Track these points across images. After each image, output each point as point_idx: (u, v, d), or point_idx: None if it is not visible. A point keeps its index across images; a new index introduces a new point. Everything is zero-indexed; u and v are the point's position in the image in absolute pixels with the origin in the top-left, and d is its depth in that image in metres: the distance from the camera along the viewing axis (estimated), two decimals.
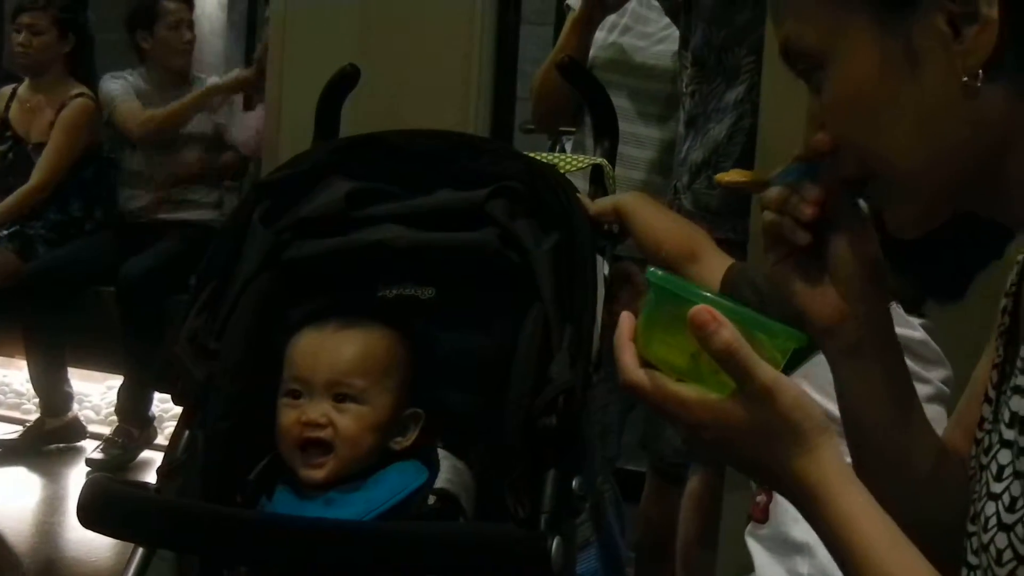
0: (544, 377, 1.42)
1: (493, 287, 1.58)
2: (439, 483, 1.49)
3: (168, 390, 1.60)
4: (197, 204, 4.40)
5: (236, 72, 4.42)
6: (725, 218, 2.41)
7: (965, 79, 0.83)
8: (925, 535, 0.88)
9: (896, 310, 1.67)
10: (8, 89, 4.48)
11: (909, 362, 1.65)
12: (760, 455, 0.91)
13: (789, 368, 0.95)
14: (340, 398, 1.50)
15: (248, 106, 4.51)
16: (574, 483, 1.40)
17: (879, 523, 0.87)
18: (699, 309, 0.88)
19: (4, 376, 4.73)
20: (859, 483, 0.89)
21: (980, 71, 0.82)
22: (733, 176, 1.11)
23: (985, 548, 0.85)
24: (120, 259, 4.18)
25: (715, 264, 1.58)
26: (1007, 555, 0.82)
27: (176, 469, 1.53)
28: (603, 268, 1.60)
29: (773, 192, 1.00)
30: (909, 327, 1.67)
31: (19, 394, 4.72)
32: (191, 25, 4.41)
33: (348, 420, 1.49)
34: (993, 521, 0.84)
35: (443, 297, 1.63)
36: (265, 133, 3.50)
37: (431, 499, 1.47)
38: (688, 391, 0.90)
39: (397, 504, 1.48)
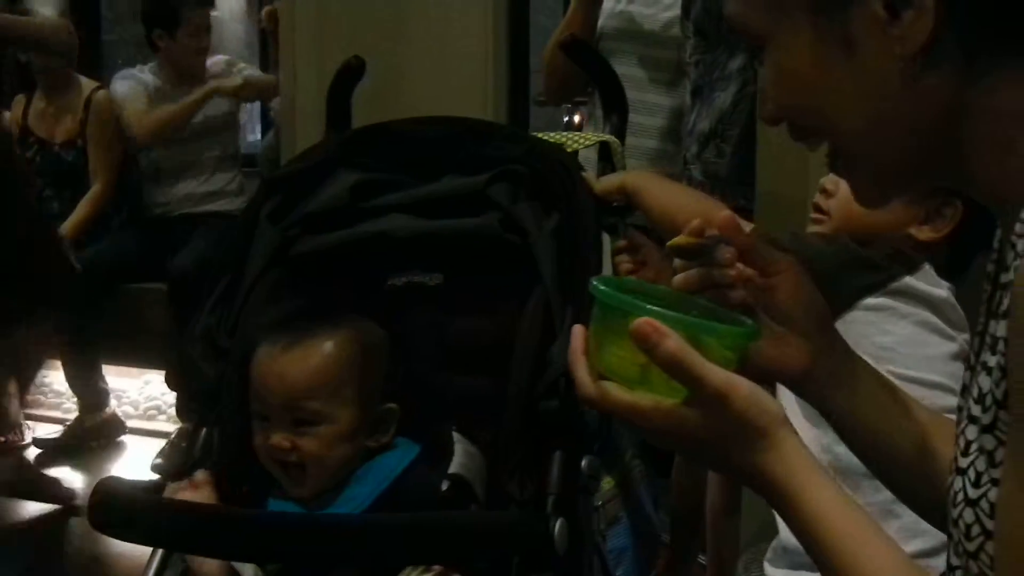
0: (545, 360, 1.43)
1: (497, 271, 1.60)
2: (453, 468, 1.50)
3: (181, 389, 1.62)
4: (221, 194, 4.42)
5: (242, 76, 4.41)
6: (736, 186, 2.41)
7: (901, 64, 0.83)
8: None
9: (928, 269, 1.67)
10: (22, 97, 4.51)
11: (935, 318, 1.66)
12: (724, 456, 0.92)
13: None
14: (299, 423, 1.49)
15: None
16: (583, 463, 1.41)
17: (848, 514, 0.88)
18: (641, 322, 0.89)
19: (44, 376, 4.80)
20: (824, 473, 0.90)
21: (917, 56, 0.83)
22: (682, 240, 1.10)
23: (955, 523, 0.85)
24: (150, 256, 4.21)
25: None
26: (975, 530, 0.83)
27: (192, 468, 1.56)
28: (610, 246, 1.61)
29: (687, 275, 1.05)
30: (937, 286, 1.67)
31: (59, 394, 4.79)
32: (209, 29, 4.41)
33: (311, 442, 1.49)
34: (961, 496, 0.84)
35: (450, 283, 1.64)
36: (281, 124, 3.52)
37: (444, 484, 1.48)
38: (643, 400, 0.91)
39: (389, 487, 1.50)
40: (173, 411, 4.52)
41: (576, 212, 1.53)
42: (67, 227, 4.19)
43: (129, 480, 1.41)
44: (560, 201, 1.55)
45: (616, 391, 0.92)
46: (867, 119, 0.88)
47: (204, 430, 1.59)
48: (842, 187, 1.65)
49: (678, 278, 1.06)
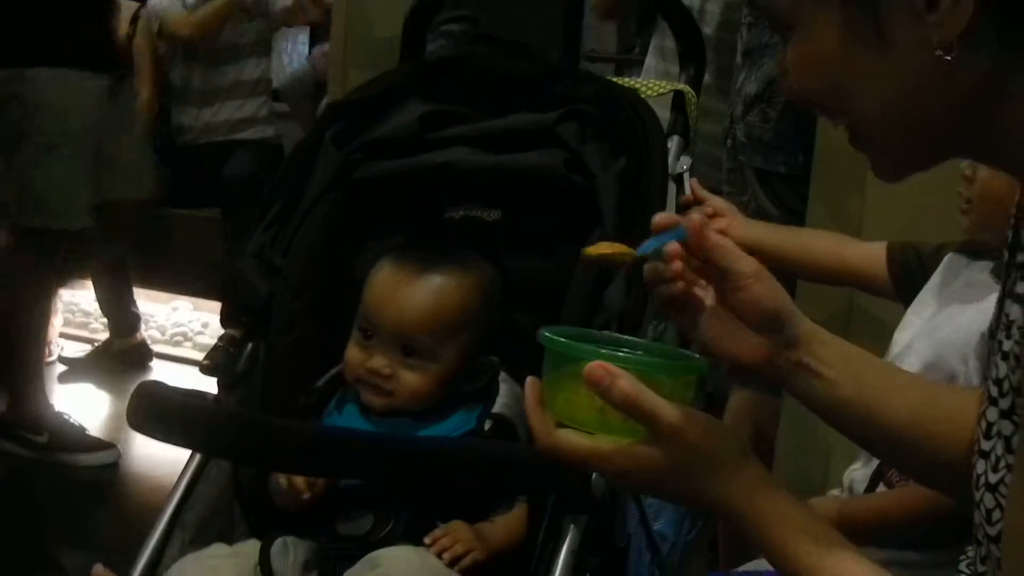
0: (599, 303, 1.43)
1: (558, 210, 1.61)
2: (497, 408, 1.53)
3: (233, 304, 1.64)
4: (253, 121, 4.43)
5: None
6: (776, 151, 2.41)
7: (938, 52, 0.82)
8: None
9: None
10: None
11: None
12: (688, 490, 0.94)
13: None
14: (408, 351, 1.52)
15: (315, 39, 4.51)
16: None
17: (812, 531, 0.90)
18: (592, 366, 0.92)
19: (72, 296, 4.84)
20: (788, 496, 0.92)
21: (953, 44, 0.82)
22: (600, 249, 1.13)
23: (977, 506, 0.86)
24: (184, 182, 4.23)
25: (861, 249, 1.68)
26: (996, 515, 0.84)
27: (237, 380, 1.58)
28: (677, 196, 1.61)
29: (647, 270, 1.06)
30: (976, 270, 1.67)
31: (87, 314, 4.83)
32: None
33: (412, 375, 1.51)
34: (982, 480, 0.86)
35: (509, 219, 1.66)
36: (330, 63, 3.52)
37: (487, 423, 1.51)
38: (603, 444, 0.94)
39: (464, 435, 1.52)
40: (199, 338, 4.58)
41: (644, 157, 1.54)
42: None
43: (170, 385, 1.42)
44: (629, 145, 1.55)
45: (575, 438, 0.95)
46: (893, 106, 0.88)
47: (251, 344, 1.61)
48: (980, 174, 1.63)
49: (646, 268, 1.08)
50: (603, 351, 0.95)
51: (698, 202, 1.68)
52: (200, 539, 1.51)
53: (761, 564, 1.67)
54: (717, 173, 2.70)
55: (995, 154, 0.90)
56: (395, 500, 1.45)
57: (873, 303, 1.98)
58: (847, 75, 0.88)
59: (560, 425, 0.96)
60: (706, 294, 1.08)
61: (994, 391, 0.85)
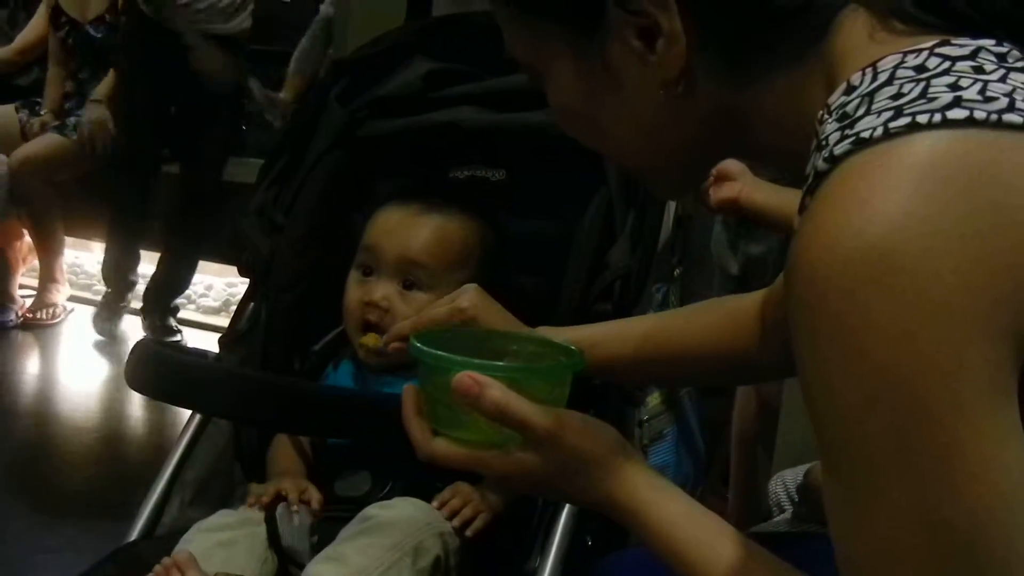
0: (603, 263, 1.43)
1: (562, 170, 1.61)
2: None
3: (234, 262, 1.64)
4: None
5: None
6: None
7: (661, 91, 0.85)
8: None
9: None
10: None
11: None
12: (570, 489, 0.95)
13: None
14: (408, 284, 1.52)
15: None
16: None
17: (695, 521, 0.92)
18: (460, 377, 0.92)
19: (76, 258, 4.85)
20: (668, 489, 0.94)
21: (679, 80, 0.84)
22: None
23: None
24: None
25: None
26: None
27: (238, 339, 1.59)
28: None
29: None
30: None
31: (90, 275, 4.85)
32: None
33: (410, 308, 1.52)
34: None
35: (513, 179, 1.67)
36: (335, 26, 3.49)
37: None
38: (480, 451, 0.95)
39: None
40: (202, 300, 4.59)
41: None
42: None
43: (170, 342, 1.43)
44: None
45: (453, 446, 0.96)
46: (643, 140, 0.90)
47: (252, 304, 1.62)
48: None
49: None
50: (470, 360, 0.95)
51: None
52: (200, 499, 1.52)
53: (784, 524, 1.68)
54: None
55: (761, 160, 0.92)
56: (393, 461, 1.45)
57: None
58: (594, 116, 0.91)
59: (438, 432, 0.97)
60: None
61: None
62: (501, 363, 1.01)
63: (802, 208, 0.77)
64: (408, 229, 1.56)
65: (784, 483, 1.82)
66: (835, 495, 0.73)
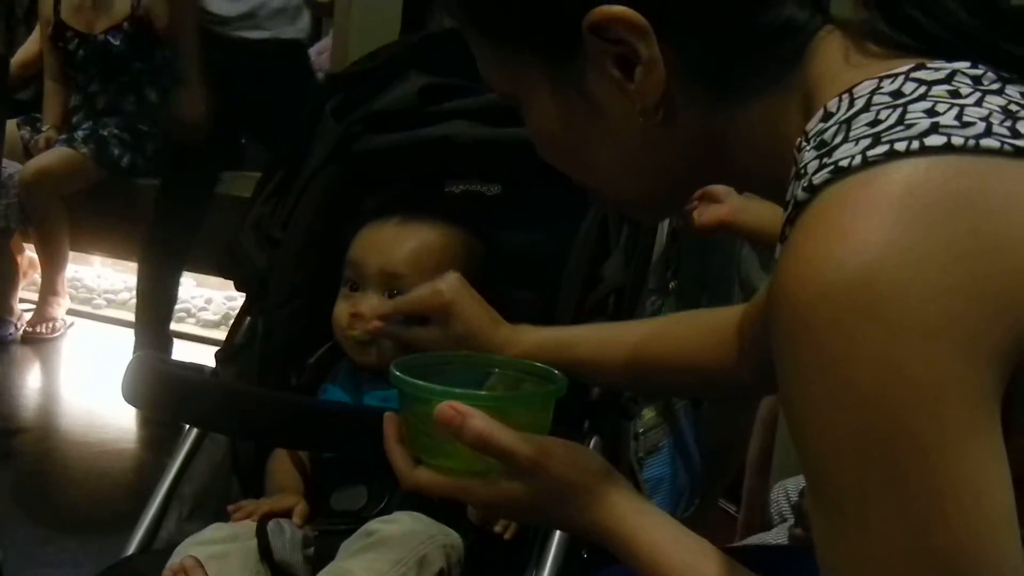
0: (596, 277, 1.44)
1: (557, 184, 1.59)
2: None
3: (231, 276, 1.65)
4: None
5: None
6: None
7: (640, 119, 0.85)
8: None
9: None
10: None
11: None
12: (555, 518, 0.96)
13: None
14: (392, 295, 1.54)
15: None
16: None
17: (682, 545, 0.92)
18: (442, 407, 0.92)
19: (76, 272, 4.86)
20: (654, 514, 0.94)
21: (659, 107, 0.84)
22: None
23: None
24: None
25: None
26: None
27: (234, 354, 1.60)
28: None
29: None
30: None
31: (90, 289, 4.86)
32: None
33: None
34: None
35: (509, 194, 1.67)
36: (334, 39, 3.51)
37: None
38: (464, 480, 0.95)
39: None
40: (202, 314, 4.60)
41: None
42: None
43: (165, 357, 1.43)
44: None
45: (437, 475, 0.96)
46: (624, 168, 0.90)
47: (249, 317, 1.62)
48: None
49: None
50: (452, 390, 0.95)
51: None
52: (197, 514, 1.52)
53: (781, 535, 1.69)
54: None
55: (743, 187, 0.92)
56: (389, 474, 1.45)
57: None
58: (574, 145, 0.90)
59: (420, 461, 0.97)
60: None
61: None
62: (482, 392, 1.01)
63: (782, 237, 0.77)
64: (390, 242, 1.58)
65: (786, 491, 1.82)
66: (823, 525, 0.73)
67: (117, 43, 4.34)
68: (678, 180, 0.93)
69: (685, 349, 1.23)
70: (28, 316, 4.34)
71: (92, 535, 2.70)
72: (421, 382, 0.97)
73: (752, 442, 2.45)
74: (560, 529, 1.04)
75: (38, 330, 4.31)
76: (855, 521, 0.69)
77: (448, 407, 0.92)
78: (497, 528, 1.39)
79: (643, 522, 0.93)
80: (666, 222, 1.57)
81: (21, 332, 4.27)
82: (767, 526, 1.81)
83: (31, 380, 4.04)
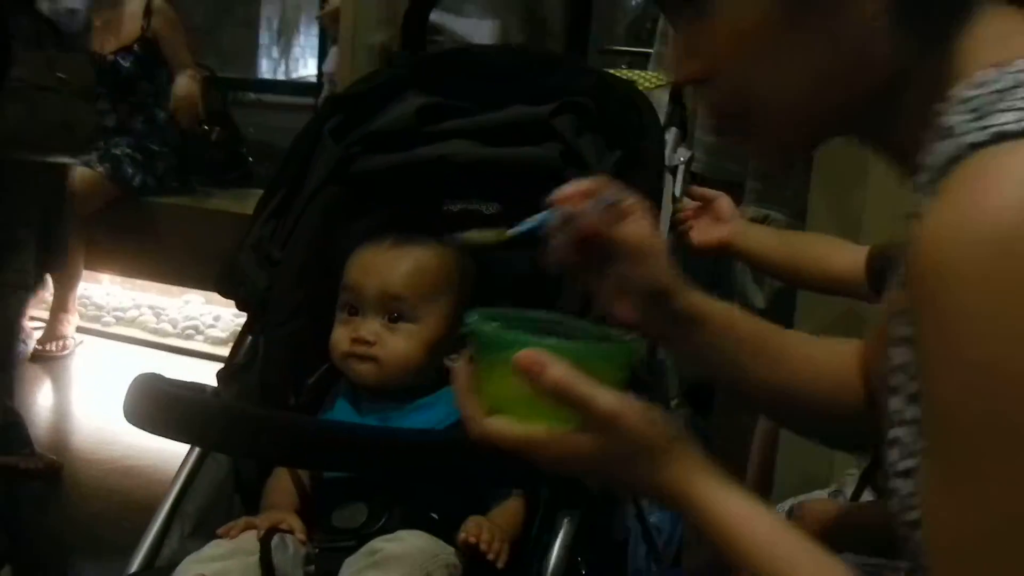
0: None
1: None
2: None
3: (231, 296, 1.66)
4: None
5: None
6: None
7: (871, 18, 0.82)
8: None
9: None
10: None
11: None
12: (625, 476, 0.93)
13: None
14: (393, 318, 1.55)
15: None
16: None
17: (755, 517, 0.90)
18: (522, 354, 0.90)
19: (85, 289, 4.89)
20: (726, 481, 0.92)
21: (885, 11, 0.82)
22: (474, 235, 1.15)
23: (892, 493, 0.87)
24: None
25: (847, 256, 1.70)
26: (911, 500, 0.83)
27: (235, 373, 1.61)
28: (673, 187, 1.62)
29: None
30: None
31: (99, 307, 4.88)
32: None
33: (397, 339, 1.55)
34: (895, 468, 0.85)
35: (507, 213, 1.68)
36: (340, 55, 3.55)
37: None
38: (537, 431, 0.92)
39: (455, 423, 1.52)
40: (211, 331, 4.62)
41: (639, 149, 1.55)
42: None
43: (168, 377, 1.44)
44: (624, 137, 1.57)
45: (508, 425, 0.93)
46: (810, 82, 0.86)
47: (250, 337, 1.64)
48: None
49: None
50: (532, 338, 0.93)
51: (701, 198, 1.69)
52: (200, 531, 1.53)
53: None
54: (734, 166, 2.67)
55: (879, 141, 0.91)
56: (388, 492, 1.47)
57: (873, 310, 1.99)
58: (763, 53, 0.86)
59: (493, 412, 0.94)
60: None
61: (892, 380, 0.86)
62: (562, 341, 0.97)
63: (922, 196, 0.77)
64: (386, 265, 1.58)
65: (784, 512, 1.83)
66: (932, 477, 0.73)
67: (127, 64, 4.40)
68: (832, 121, 0.89)
69: (812, 361, 1.18)
70: (38, 334, 4.37)
71: (101, 552, 2.71)
72: (502, 329, 0.95)
73: (750, 462, 2.44)
74: (627, 489, 1.03)
75: (48, 348, 4.34)
76: (968, 475, 0.71)
77: (529, 354, 0.89)
78: (490, 556, 1.39)
79: (716, 489, 0.91)
80: (666, 232, 1.57)
81: (31, 350, 4.30)
82: None
83: (41, 398, 4.06)
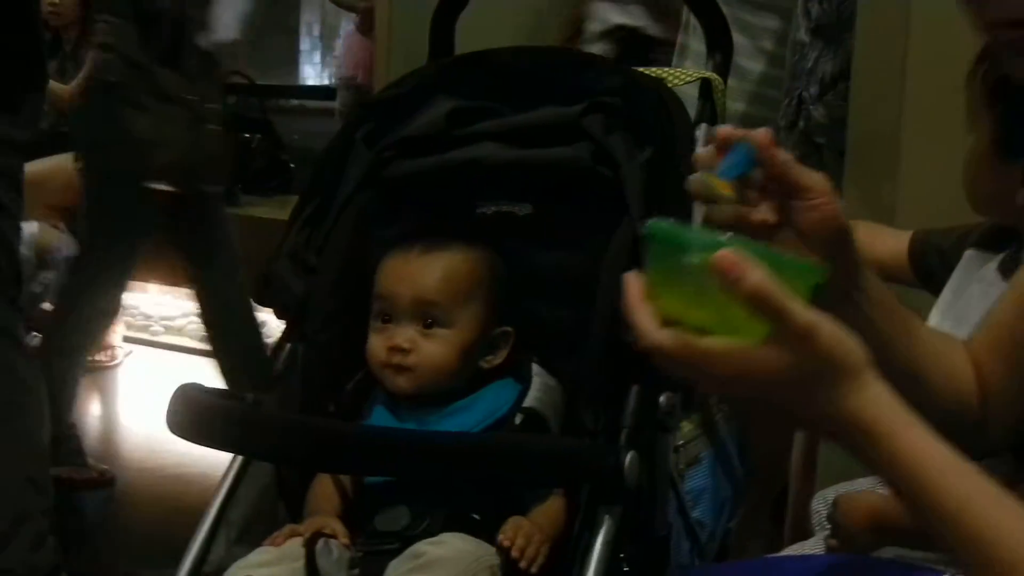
0: None
1: (588, 202, 1.63)
2: (528, 401, 1.57)
3: (269, 304, 1.68)
4: None
5: None
6: None
7: None
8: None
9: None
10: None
11: None
12: (807, 399, 0.87)
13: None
14: (428, 324, 1.57)
15: (365, 30, 4.52)
16: (661, 399, 1.44)
17: (948, 458, 0.85)
18: (723, 253, 0.83)
19: (132, 299, 4.94)
20: (915, 418, 0.87)
21: None
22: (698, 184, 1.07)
23: None
24: None
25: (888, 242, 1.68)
26: None
27: (275, 381, 1.62)
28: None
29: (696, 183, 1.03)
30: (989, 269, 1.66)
31: (147, 316, 4.93)
32: None
33: (434, 345, 1.56)
34: None
35: (540, 213, 1.68)
36: (376, 58, 3.57)
37: (518, 417, 1.54)
38: (717, 344, 0.85)
39: (492, 424, 1.54)
40: None
41: (670, 147, 1.55)
42: None
43: (208, 387, 1.47)
44: (653, 135, 1.57)
45: (687, 336, 0.86)
46: None
47: (289, 345, 1.65)
48: None
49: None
50: (729, 240, 0.87)
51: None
52: (245, 538, 1.55)
53: (819, 545, 1.69)
54: None
55: None
56: (430, 495, 1.48)
57: (904, 297, 1.98)
58: None
59: (668, 323, 0.87)
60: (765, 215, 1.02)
61: None
62: (762, 245, 0.91)
63: None
64: (418, 271, 1.59)
65: (826, 501, 1.82)
66: None
67: None
68: None
69: (943, 352, 1.15)
70: None
71: (154, 558, 2.74)
72: (687, 229, 0.91)
73: (795, 449, 2.44)
74: (802, 412, 0.91)
75: (97, 359, 4.39)
76: None
77: (729, 254, 0.83)
78: (523, 563, 1.40)
79: (905, 423, 0.85)
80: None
81: None
82: (810, 534, 1.81)
83: (92, 408, 4.11)
